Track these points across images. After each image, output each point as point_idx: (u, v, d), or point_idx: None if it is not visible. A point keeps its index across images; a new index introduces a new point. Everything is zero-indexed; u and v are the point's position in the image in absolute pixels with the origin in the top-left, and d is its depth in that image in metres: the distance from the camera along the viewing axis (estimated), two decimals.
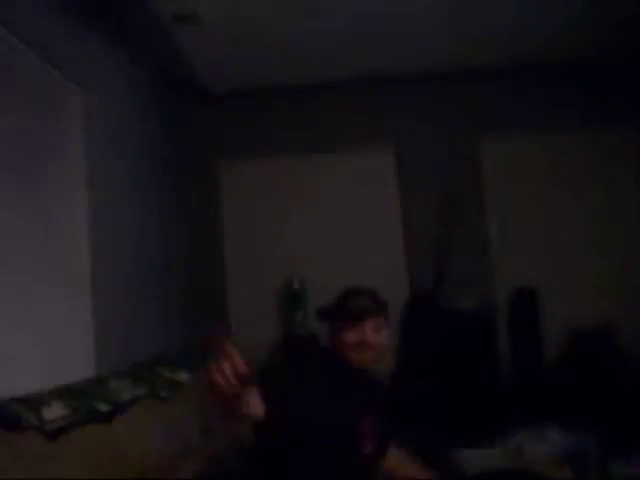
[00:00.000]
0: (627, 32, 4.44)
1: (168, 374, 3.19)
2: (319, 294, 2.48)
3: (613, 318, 4.69)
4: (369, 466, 2.45)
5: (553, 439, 3.14)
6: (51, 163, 2.98)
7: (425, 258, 4.79)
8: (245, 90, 5.00)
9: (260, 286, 4.93)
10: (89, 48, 3.41)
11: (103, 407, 2.53)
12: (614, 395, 4.50)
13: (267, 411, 1.99)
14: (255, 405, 1.94)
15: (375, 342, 2.33)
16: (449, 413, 4.36)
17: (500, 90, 5.01)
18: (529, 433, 3.25)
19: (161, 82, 4.57)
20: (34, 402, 2.15)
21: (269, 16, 3.93)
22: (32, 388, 2.24)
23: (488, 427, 3.70)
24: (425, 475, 2.58)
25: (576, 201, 5.01)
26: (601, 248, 4.94)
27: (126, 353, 3.39)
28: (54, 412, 2.24)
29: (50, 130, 2.99)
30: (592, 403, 4.42)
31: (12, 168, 2.65)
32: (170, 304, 4.39)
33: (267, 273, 4.91)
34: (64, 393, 2.43)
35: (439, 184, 4.89)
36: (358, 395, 2.38)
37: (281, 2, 3.80)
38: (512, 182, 5.01)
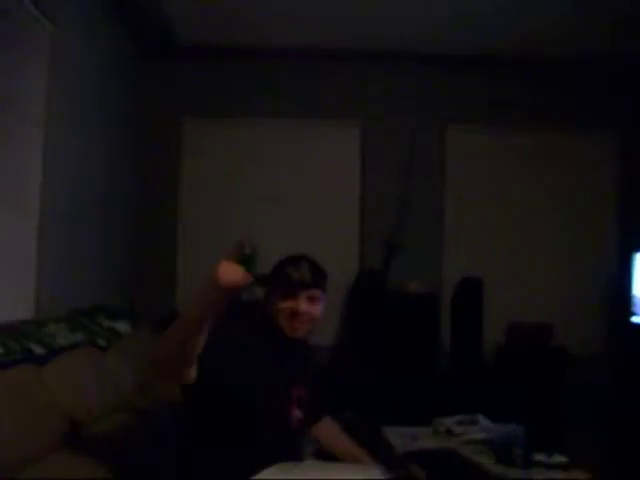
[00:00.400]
0: (612, 33, 4.49)
1: (107, 323, 3.16)
2: (270, 261, 2.45)
3: (552, 316, 4.81)
4: (297, 434, 2.47)
5: (482, 426, 3.21)
6: (9, 92, 2.87)
7: (379, 237, 4.80)
8: (214, 48, 4.91)
9: (212, 247, 4.88)
10: None
11: (38, 350, 2.49)
12: (546, 390, 4.64)
13: (199, 372, 1.97)
14: None
15: (308, 313, 2.32)
16: (385, 392, 4.42)
17: (474, 79, 5.05)
18: (460, 418, 3.30)
19: (129, 31, 4.46)
20: None
21: None
22: None
23: (422, 408, 3.77)
24: (356, 451, 2.62)
25: (534, 199, 5.09)
26: (551, 248, 5.03)
27: (67, 299, 3.34)
28: None
29: (11, 59, 2.88)
30: (524, 395, 4.54)
31: None
32: (118, 256, 4.32)
33: (219, 235, 4.86)
34: None
35: (400, 164, 4.89)
36: (290, 364, 2.37)
37: None
38: (473, 172, 5.04)
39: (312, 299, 2.33)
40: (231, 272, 1.83)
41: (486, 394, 4.45)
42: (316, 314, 2.35)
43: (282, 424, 2.32)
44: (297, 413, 2.40)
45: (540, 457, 2.62)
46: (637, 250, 4.55)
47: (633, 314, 4.51)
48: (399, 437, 3.19)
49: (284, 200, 4.95)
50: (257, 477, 2.14)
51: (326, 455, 2.57)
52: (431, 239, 4.95)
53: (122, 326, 3.27)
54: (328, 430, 2.59)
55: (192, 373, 1.94)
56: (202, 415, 2.16)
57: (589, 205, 5.08)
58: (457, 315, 4.87)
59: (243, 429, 2.14)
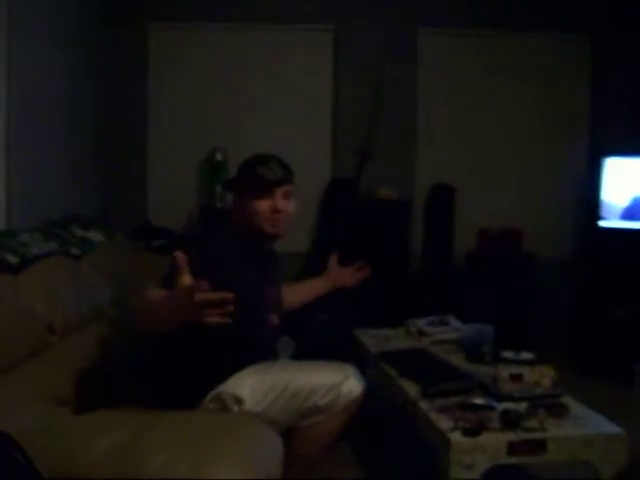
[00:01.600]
0: None
1: (80, 233, 3.14)
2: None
3: (522, 221, 4.89)
4: (272, 337, 2.53)
5: (453, 326, 3.31)
6: None
7: (351, 143, 4.78)
8: None
9: (182, 156, 4.83)
10: None
11: (12, 259, 2.48)
12: (515, 293, 4.77)
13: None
14: None
15: (286, 209, 2.34)
16: (358, 296, 4.50)
17: None
18: (432, 319, 3.40)
19: None
20: None
21: None
22: None
23: (394, 311, 3.86)
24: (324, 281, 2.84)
25: (506, 105, 5.04)
26: (521, 153, 5.06)
27: (38, 212, 3.30)
28: None
29: None
30: (493, 298, 4.66)
31: None
32: (88, 166, 4.26)
33: (190, 143, 4.81)
34: None
35: (373, 70, 4.82)
36: (263, 268, 2.41)
37: None
38: (446, 77, 4.98)
39: (286, 195, 2.35)
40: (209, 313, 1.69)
41: (457, 297, 4.57)
42: (292, 210, 2.38)
43: (260, 328, 2.37)
44: (273, 318, 2.46)
45: (508, 354, 2.71)
46: (606, 155, 4.59)
47: (601, 218, 4.59)
48: (372, 338, 3.30)
49: (255, 107, 4.87)
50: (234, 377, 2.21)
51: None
52: (403, 146, 4.92)
53: (95, 235, 3.27)
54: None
55: None
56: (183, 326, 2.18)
57: (560, 110, 5.06)
58: (429, 221, 4.93)
59: (222, 335, 2.16)
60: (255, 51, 4.86)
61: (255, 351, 2.34)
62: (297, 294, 2.84)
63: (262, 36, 4.85)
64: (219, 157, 4.63)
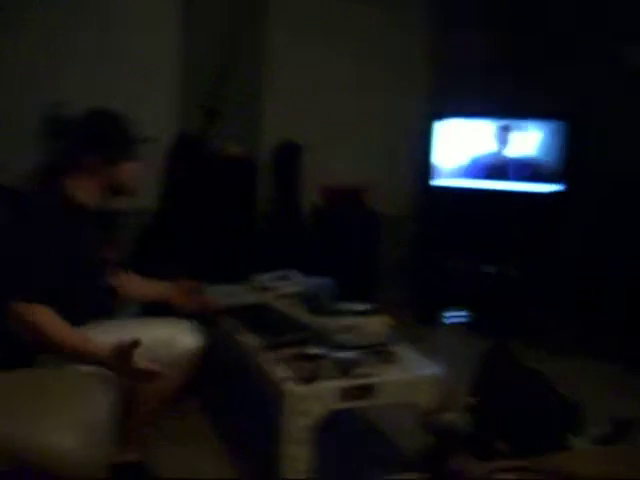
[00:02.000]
0: None
1: None
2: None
3: (365, 179, 5.08)
4: (108, 297, 2.50)
5: (295, 280, 3.42)
6: None
7: (199, 98, 4.72)
8: None
9: (20, 111, 4.57)
10: None
11: None
12: (359, 248, 4.98)
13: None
14: None
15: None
16: (207, 252, 4.52)
17: None
18: (275, 274, 3.50)
19: None
20: None
21: None
22: None
23: (242, 267, 3.92)
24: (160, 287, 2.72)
25: (348, 67, 5.17)
26: (363, 114, 5.22)
27: None
28: None
29: None
30: (339, 254, 4.84)
31: None
32: None
33: (29, 97, 4.54)
34: None
35: (223, 24, 4.75)
36: (95, 232, 2.37)
37: None
38: (293, 35, 5.02)
39: None
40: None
41: (304, 253, 4.70)
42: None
43: (93, 289, 2.34)
44: (111, 280, 2.43)
45: (345, 306, 2.86)
46: (440, 116, 4.84)
47: (433, 177, 4.87)
48: (217, 294, 3.34)
49: (98, 58, 4.67)
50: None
51: None
52: (250, 104, 4.93)
53: None
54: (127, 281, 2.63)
55: None
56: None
57: (403, 71, 5.28)
58: (276, 178, 5.01)
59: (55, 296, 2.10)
60: None
61: (89, 310, 2.32)
62: (139, 291, 2.73)
63: None
64: (58, 110, 4.42)
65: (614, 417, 2.87)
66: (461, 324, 4.76)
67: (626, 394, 3.30)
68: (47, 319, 1.99)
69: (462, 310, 4.84)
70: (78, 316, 2.18)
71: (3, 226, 2.13)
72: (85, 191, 2.26)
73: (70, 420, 1.73)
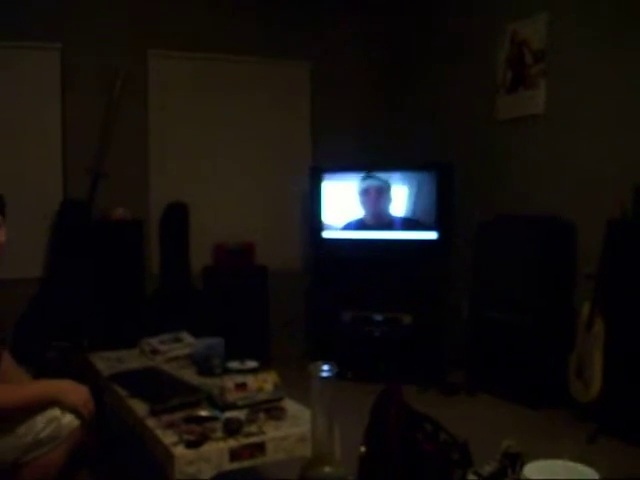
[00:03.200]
0: None
1: None
2: None
3: (254, 236, 5.16)
4: None
5: (186, 342, 3.41)
6: None
7: (82, 164, 4.69)
8: None
9: None
10: None
11: None
12: (250, 305, 5.01)
13: None
14: None
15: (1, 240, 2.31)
16: (97, 320, 4.45)
17: (177, 4, 5.06)
18: (165, 337, 3.48)
19: None
20: None
21: None
22: None
23: (133, 332, 3.87)
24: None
25: (236, 126, 5.30)
26: (251, 172, 5.34)
27: None
28: None
29: None
30: (230, 312, 4.86)
31: None
32: None
33: None
34: None
35: (104, 89, 4.77)
36: None
37: None
38: (176, 99, 5.09)
39: None
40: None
41: (195, 313, 4.70)
42: (3, 240, 2.33)
43: None
44: None
45: (233, 364, 2.88)
46: (324, 172, 5.01)
47: (323, 230, 4.99)
48: (105, 361, 3.29)
49: None
50: None
51: None
52: (136, 166, 4.95)
53: None
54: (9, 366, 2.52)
55: None
56: None
57: (286, 129, 5.44)
58: (165, 240, 5.00)
59: None
60: None
61: None
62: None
63: None
64: None
65: (504, 452, 3.01)
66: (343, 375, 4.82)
67: (517, 428, 3.45)
68: None
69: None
70: None
71: None
72: None
73: None
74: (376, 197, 4.84)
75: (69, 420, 2.22)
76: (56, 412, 2.21)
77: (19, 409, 2.14)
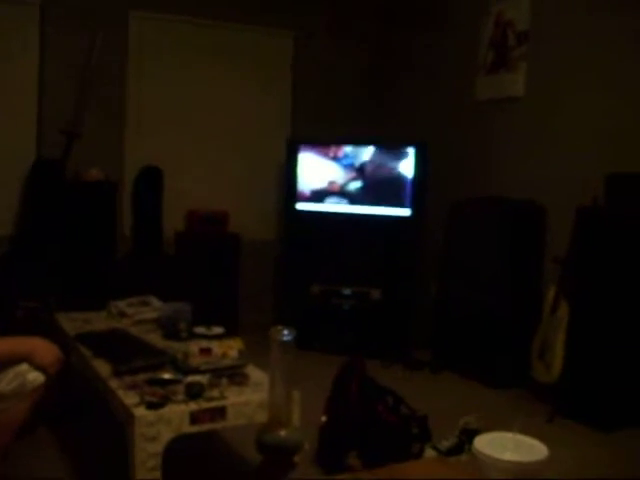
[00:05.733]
0: None
1: None
2: None
3: (228, 204, 5.15)
4: None
5: (153, 306, 3.42)
6: None
7: (57, 123, 4.62)
8: None
9: None
10: None
11: None
12: (222, 272, 5.01)
13: None
14: None
15: None
16: (67, 280, 4.43)
17: None
18: (133, 300, 3.48)
19: None
20: None
21: None
22: None
23: (102, 294, 3.86)
24: None
25: (215, 91, 5.23)
26: (228, 139, 5.30)
27: None
28: None
29: None
30: (201, 278, 4.86)
31: None
32: None
33: None
34: None
35: (83, 47, 4.68)
36: None
37: None
38: (156, 61, 5.02)
39: None
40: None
41: (166, 278, 4.68)
42: None
43: None
44: None
45: (200, 330, 2.90)
46: (300, 143, 4.99)
47: (296, 202, 4.99)
48: (72, 322, 3.29)
49: None
50: None
51: None
52: (111, 127, 4.88)
53: None
54: None
55: None
56: None
57: (265, 98, 5.40)
58: (138, 203, 4.97)
59: None
60: None
61: None
62: None
63: None
64: None
65: (462, 428, 3.07)
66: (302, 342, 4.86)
67: (478, 407, 3.51)
68: None
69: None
70: None
71: None
72: None
73: None
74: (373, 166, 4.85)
75: (34, 377, 2.24)
76: (23, 367, 2.22)
77: None
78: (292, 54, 5.48)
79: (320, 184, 4.92)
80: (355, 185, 4.86)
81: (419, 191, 4.71)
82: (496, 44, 4.56)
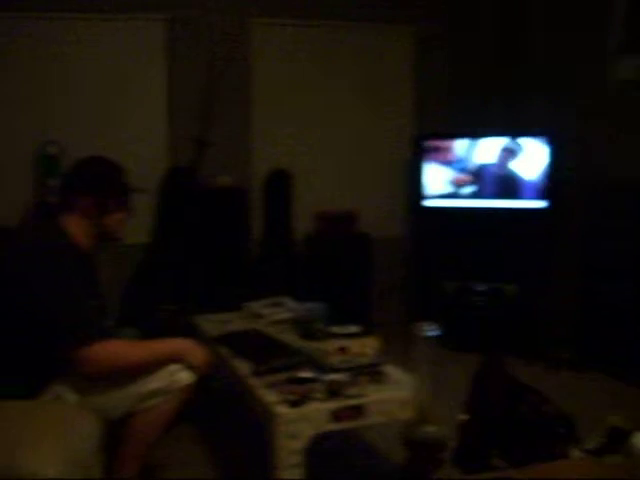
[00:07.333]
0: None
1: None
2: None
3: (356, 204, 5.14)
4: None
5: (288, 307, 3.45)
6: None
7: (188, 132, 4.79)
8: None
9: (13, 150, 4.63)
10: None
11: None
12: (353, 272, 5.01)
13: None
14: None
15: None
16: (202, 284, 4.56)
17: None
18: (268, 301, 3.53)
19: None
20: None
21: None
22: None
23: (237, 296, 3.95)
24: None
25: (338, 92, 5.26)
26: (353, 139, 5.30)
27: None
28: None
29: None
30: (332, 279, 4.88)
31: None
32: None
33: (21, 137, 4.61)
34: None
35: (208, 58, 4.84)
36: (92, 273, 2.44)
37: None
38: (279, 66, 5.10)
39: None
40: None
41: (297, 280, 4.74)
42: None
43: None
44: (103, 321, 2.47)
45: (336, 329, 2.89)
46: (426, 138, 4.91)
47: (424, 198, 4.91)
48: (211, 323, 3.38)
49: (88, 98, 4.75)
50: None
51: None
52: (239, 134, 5.01)
53: None
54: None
55: None
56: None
57: (388, 96, 5.36)
58: (268, 207, 5.06)
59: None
60: (86, 41, 4.72)
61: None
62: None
63: (93, 25, 4.72)
64: (52, 150, 4.51)
65: (610, 428, 2.89)
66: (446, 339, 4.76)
67: (624, 406, 3.30)
68: (122, 348, 2.26)
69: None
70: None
71: (21, 274, 2.17)
72: (77, 230, 2.33)
73: (52, 451, 1.76)
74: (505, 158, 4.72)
75: (185, 376, 2.33)
76: (175, 366, 2.31)
77: (149, 363, 2.28)
78: (413, 50, 5.40)
79: (447, 180, 4.82)
80: (484, 179, 4.73)
81: (555, 182, 4.51)
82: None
